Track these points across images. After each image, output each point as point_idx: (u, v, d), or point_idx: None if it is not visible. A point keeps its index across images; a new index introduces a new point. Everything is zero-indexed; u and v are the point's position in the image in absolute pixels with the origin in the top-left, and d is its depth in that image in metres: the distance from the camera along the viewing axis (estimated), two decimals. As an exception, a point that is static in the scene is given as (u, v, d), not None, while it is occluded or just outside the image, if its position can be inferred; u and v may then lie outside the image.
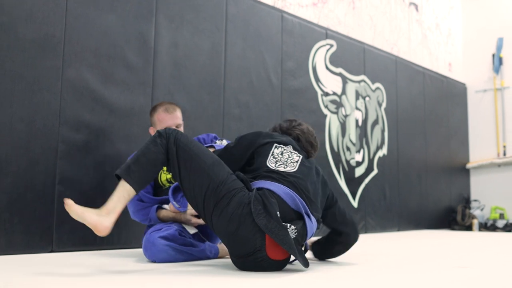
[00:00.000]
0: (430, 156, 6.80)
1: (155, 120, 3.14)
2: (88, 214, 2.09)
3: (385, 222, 5.89)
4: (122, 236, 3.51)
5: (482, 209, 7.30)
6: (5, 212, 2.99)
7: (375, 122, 5.92)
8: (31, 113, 3.14)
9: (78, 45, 3.40)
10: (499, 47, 7.54)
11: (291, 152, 2.53)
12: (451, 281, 2.07)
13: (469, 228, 6.89)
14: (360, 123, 5.70)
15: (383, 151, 5.99)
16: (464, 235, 5.62)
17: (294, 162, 2.48)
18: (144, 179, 2.25)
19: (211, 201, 2.22)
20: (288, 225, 2.20)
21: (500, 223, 6.97)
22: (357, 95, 5.70)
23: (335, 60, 5.46)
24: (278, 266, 2.26)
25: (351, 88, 5.62)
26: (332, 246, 2.78)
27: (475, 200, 7.47)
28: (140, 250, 3.44)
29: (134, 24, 3.72)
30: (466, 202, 7.46)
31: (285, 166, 2.44)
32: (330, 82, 5.36)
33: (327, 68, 5.35)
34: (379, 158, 5.93)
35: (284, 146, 2.55)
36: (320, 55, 5.27)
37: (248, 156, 2.53)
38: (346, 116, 5.51)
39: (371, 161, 5.80)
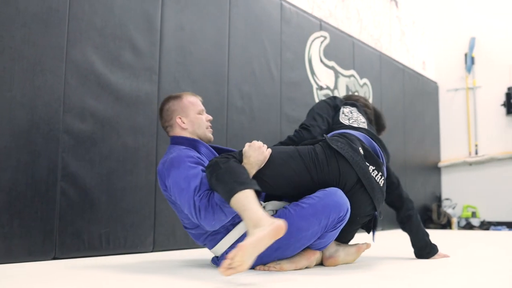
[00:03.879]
0: (408, 155, 6.73)
1: (185, 104, 2.51)
2: (259, 234, 1.91)
3: (371, 222, 5.73)
4: (128, 240, 3.13)
5: (454, 208, 7.31)
6: (4, 213, 2.55)
7: (363, 119, 5.74)
8: (32, 98, 2.70)
9: (83, 22, 2.98)
10: (472, 47, 7.58)
11: (358, 113, 2.77)
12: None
13: (444, 226, 6.87)
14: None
15: (370, 148, 5.82)
16: (453, 234, 5.54)
17: (363, 122, 2.72)
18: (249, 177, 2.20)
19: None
20: (371, 167, 2.41)
21: (475, 222, 6.99)
22: (348, 90, 5.50)
23: (328, 53, 5.23)
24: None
25: (342, 82, 5.42)
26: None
27: (447, 199, 7.48)
28: (148, 255, 3.08)
29: (141, 2, 3.33)
30: (438, 200, 7.47)
31: (358, 123, 2.67)
32: (324, 75, 5.13)
33: (321, 61, 5.11)
34: (366, 155, 5.75)
35: (351, 107, 2.81)
36: (315, 47, 5.03)
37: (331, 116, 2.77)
38: (338, 111, 5.29)
39: (359, 159, 5.61)
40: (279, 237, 1.95)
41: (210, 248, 2.39)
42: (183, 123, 2.49)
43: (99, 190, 2.99)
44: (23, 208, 2.62)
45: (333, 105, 2.82)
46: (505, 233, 5.98)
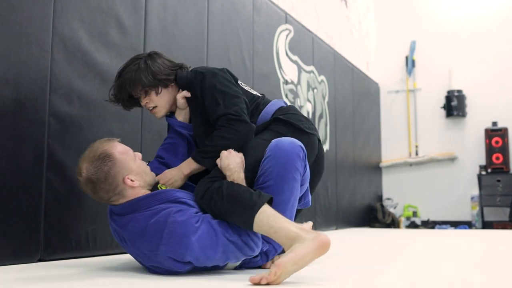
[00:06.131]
0: (356, 154, 6.73)
1: (122, 159, 1.99)
2: (301, 251, 1.69)
3: (327, 220, 5.65)
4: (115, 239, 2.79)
5: (395, 207, 7.43)
6: (-14, 207, 2.16)
7: (321, 116, 5.66)
8: (18, 73, 2.32)
9: (70, -9, 2.62)
10: (412, 50, 7.76)
11: None
12: None
13: (389, 225, 6.94)
14: (310, 115, 5.39)
15: (326, 146, 5.75)
16: (408, 233, 5.58)
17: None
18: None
19: None
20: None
21: (417, 221, 7.13)
22: (308, 86, 5.39)
23: (292, 47, 5.09)
24: None
25: (304, 78, 5.30)
26: None
27: (388, 199, 7.59)
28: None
29: (126, -25, 3.01)
30: (380, 200, 7.56)
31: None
32: (289, 69, 4.98)
33: (287, 54, 4.96)
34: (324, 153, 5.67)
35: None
36: (281, 40, 4.87)
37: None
38: (300, 107, 5.17)
39: (318, 156, 5.51)
40: (325, 253, 1.74)
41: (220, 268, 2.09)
42: (132, 181, 1.98)
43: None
44: (8, 202, 2.24)
45: (235, 81, 2.38)
46: (453, 231, 6.12)
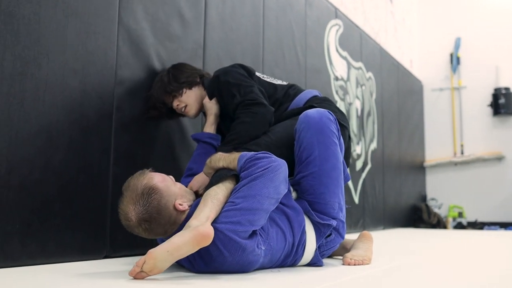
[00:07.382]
0: (402, 153, 6.57)
1: (164, 186, 1.83)
2: (177, 240, 1.65)
3: (375, 220, 5.51)
4: (177, 235, 2.71)
5: (439, 208, 7.23)
6: (56, 201, 2.10)
7: (369, 114, 5.52)
8: (85, 64, 2.26)
9: (135, -19, 2.56)
10: (457, 47, 7.55)
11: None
12: None
13: (434, 226, 6.76)
14: (359, 113, 5.26)
15: (374, 144, 5.61)
16: (460, 234, 5.40)
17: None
18: None
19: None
20: None
21: (463, 222, 6.93)
22: (357, 82, 5.26)
23: (342, 42, 4.97)
24: None
25: (353, 74, 5.17)
26: None
27: (433, 199, 7.40)
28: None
29: (187, -34, 2.93)
30: (424, 200, 7.37)
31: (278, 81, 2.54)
32: (339, 65, 4.86)
33: (337, 50, 4.84)
34: (372, 151, 5.54)
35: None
36: (332, 35, 4.76)
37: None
38: (350, 104, 5.04)
39: (366, 155, 5.39)
40: (204, 246, 1.63)
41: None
42: (181, 204, 1.84)
43: (149, 177, 2.56)
44: (74, 196, 2.18)
45: (249, 74, 2.42)
46: (504, 232, 5.91)
